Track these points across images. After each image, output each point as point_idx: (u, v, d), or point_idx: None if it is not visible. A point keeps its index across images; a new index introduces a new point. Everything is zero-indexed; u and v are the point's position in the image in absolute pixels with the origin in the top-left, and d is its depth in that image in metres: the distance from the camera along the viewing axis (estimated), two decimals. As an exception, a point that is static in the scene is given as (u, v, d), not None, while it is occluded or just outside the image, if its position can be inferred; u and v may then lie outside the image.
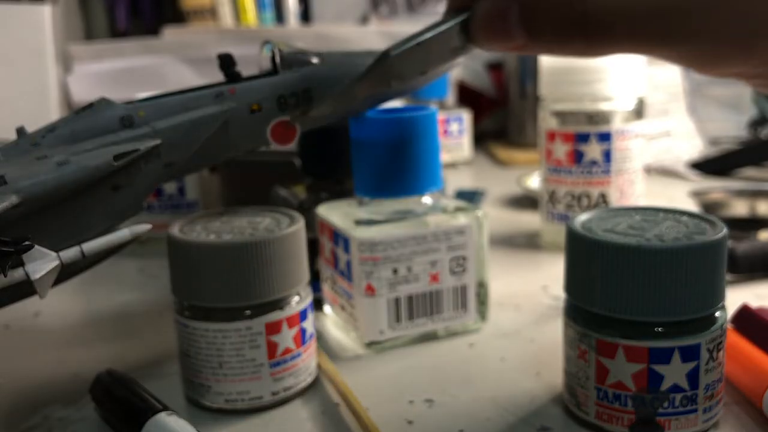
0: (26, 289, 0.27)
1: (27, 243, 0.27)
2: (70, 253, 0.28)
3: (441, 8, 0.28)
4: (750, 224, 0.55)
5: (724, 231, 0.28)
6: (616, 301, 0.28)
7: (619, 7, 0.22)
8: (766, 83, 0.24)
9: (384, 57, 0.29)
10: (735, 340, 0.33)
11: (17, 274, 0.26)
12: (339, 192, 0.43)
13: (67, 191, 0.30)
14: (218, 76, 0.36)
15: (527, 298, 0.45)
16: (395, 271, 0.37)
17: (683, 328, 0.27)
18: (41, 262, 0.27)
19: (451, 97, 0.96)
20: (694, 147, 0.84)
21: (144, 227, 0.29)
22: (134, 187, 0.33)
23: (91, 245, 0.28)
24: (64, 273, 0.29)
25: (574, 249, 0.29)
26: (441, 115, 0.89)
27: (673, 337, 0.27)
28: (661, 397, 0.28)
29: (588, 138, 0.50)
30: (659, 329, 0.27)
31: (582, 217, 0.31)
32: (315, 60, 0.37)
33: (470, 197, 0.70)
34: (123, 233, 0.29)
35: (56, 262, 0.27)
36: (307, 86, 0.37)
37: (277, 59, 0.36)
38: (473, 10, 0.26)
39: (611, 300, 0.28)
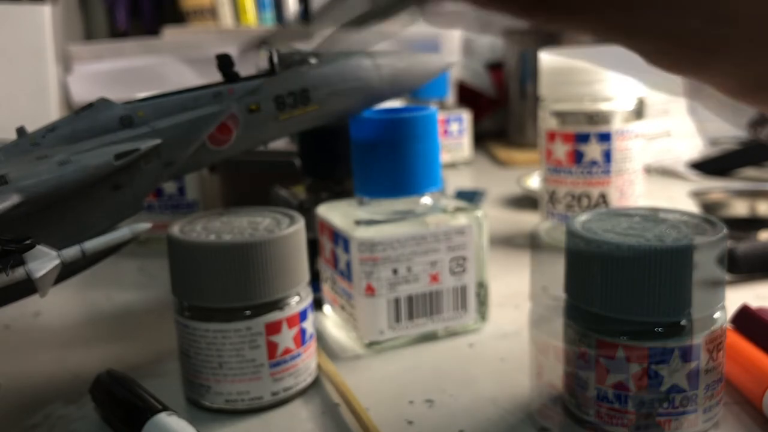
0: (27, 287, 0.27)
1: (29, 242, 0.27)
2: (71, 252, 0.28)
3: (441, 10, 0.27)
4: (750, 224, 0.55)
5: (724, 231, 0.28)
6: (615, 301, 0.28)
7: None
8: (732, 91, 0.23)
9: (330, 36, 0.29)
10: (735, 340, 0.33)
11: (19, 273, 0.27)
12: (339, 192, 0.43)
13: (68, 190, 0.30)
14: (218, 77, 0.36)
15: (527, 298, 0.44)
16: (395, 272, 0.37)
17: (683, 328, 0.27)
18: (42, 261, 0.27)
19: (451, 97, 0.96)
20: (694, 147, 0.84)
21: (144, 226, 0.29)
22: (134, 187, 0.33)
23: (92, 244, 0.28)
24: (65, 272, 0.29)
25: (573, 249, 0.29)
26: (441, 115, 0.89)
27: (673, 337, 0.27)
28: (661, 398, 0.28)
29: (588, 138, 0.50)
30: (659, 329, 0.27)
31: (582, 218, 0.31)
32: (313, 60, 0.37)
33: (470, 197, 0.70)
34: (123, 232, 0.29)
35: (57, 261, 0.27)
36: (305, 86, 0.37)
37: (275, 59, 0.36)
38: None
39: (611, 300, 0.28)
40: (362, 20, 0.26)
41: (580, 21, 0.22)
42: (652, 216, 0.30)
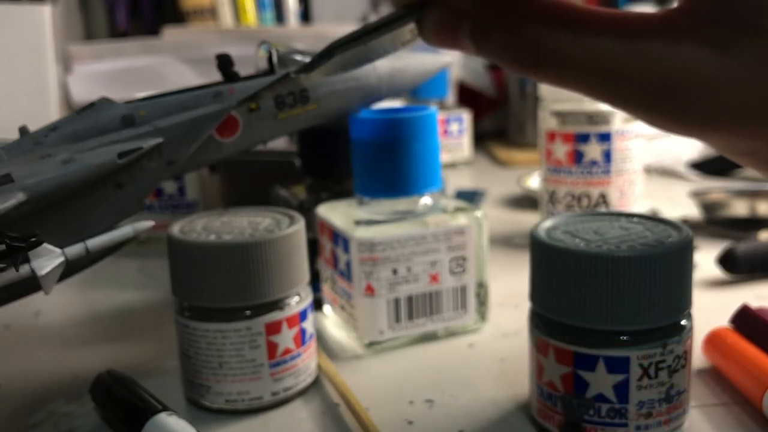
0: (31, 285, 0.27)
1: (35, 239, 0.27)
2: (75, 250, 0.28)
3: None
4: (750, 224, 0.55)
5: (683, 242, 0.27)
6: (546, 300, 0.28)
7: (568, 55, 0.22)
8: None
9: (329, 55, 0.29)
10: (735, 340, 0.33)
11: (23, 270, 0.27)
12: (339, 192, 0.43)
13: (71, 189, 0.30)
14: (218, 76, 0.36)
15: (527, 298, 0.44)
16: (395, 272, 0.37)
17: (612, 338, 0.27)
18: (47, 258, 0.27)
19: (451, 97, 0.96)
20: (694, 147, 0.84)
21: (146, 224, 0.29)
22: (136, 185, 0.33)
23: (95, 242, 0.28)
24: (67, 270, 0.29)
25: (532, 250, 0.29)
26: (441, 115, 0.89)
27: (599, 346, 0.27)
28: (587, 404, 0.27)
29: (588, 138, 0.51)
30: (586, 336, 0.27)
31: (549, 222, 0.30)
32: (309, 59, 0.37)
33: (470, 197, 0.70)
34: (126, 230, 0.29)
35: (62, 259, 0.27)
36: (304, 86, 0.37)
37: (274, 59, 0.37)
38: (425, 15, 0.26)
39: (542, 298, 0.28)
40: (361, 38, 0.27)
41: (572, 86, 0.23)
42: (616, 221, 0.30)
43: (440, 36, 0.25)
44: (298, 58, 0.37)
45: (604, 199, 0.51)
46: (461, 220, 0.38)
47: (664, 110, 0.22)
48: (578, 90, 0.23)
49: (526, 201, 0.70)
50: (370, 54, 0.30)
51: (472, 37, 0.24)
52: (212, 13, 1.07)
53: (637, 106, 0.22)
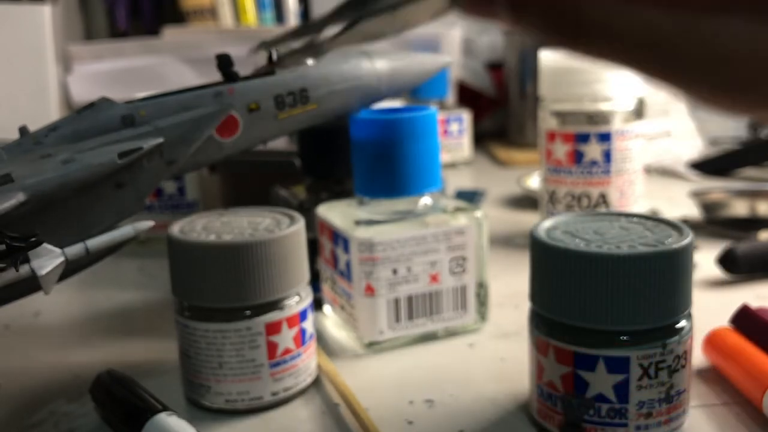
0: (31, 285, 0.27)
1: (35, 239, 0.27)
2: (75, 250, 0.28)
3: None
4: (750, 224, 0.55)
5: (683, 243, 0.27)
6: (546, 300, 0.28)
7: (614, 26, 0.21)
8: None
9: (356, 23, 0.28)
10: (735, 340, 0.33)
11: (23, 270, 0.27)
12: (339, 192, 0.43)
13: (71, 189, 0.30)
14: (218, 76, 0.36)
15: (527, 298, 0.44)
16: (395, 272, 0.37)
17: (612, 338, 0.27)
18: (47, 258, 0.27)
19: (451, 97, 0.96)
20: (694, 147, 0.84)
21: (147, 224, 0.29)
22: (137, 185, 0.33)
23: (95, 242, 0.28)
24: (67, 269, 0.29)
25: (532, 250, 0.29)
26: (441, 115, 0.89)
27: (599, 346, 0.27)
28: (587, 404, 0.27)
29: (588, 138, 0.51)
30: (586, 336, 0.27)
31: (549, 222, 0.30)
32: (310, 61, 0.37)
33: (470, 197, 0.70)
34: (126, 230, 0.29)
35: (62, 259, 0.27)
36: (304, 85, 0.37)
37: (274, 59, 0.37)
38: None
39: (542, 298, 0.28)
40: (388, 9, 0.26)
41: (615, 58, 0.22)
42: (616, 221, 0.30)
43: (475, 5, 0.24)
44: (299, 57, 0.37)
45: (604, 199, 0.51)
46: (461, 220, 0.38)
47: (719, 87, 0.20)
48: (622, 63, 0.22)
49: (526, 201, 0.70)
50: (398, 24, 0.29)
51: (509, 5, 0.23)
52: (212, 13, 1.07)
53: (688, 82, 0.21)
